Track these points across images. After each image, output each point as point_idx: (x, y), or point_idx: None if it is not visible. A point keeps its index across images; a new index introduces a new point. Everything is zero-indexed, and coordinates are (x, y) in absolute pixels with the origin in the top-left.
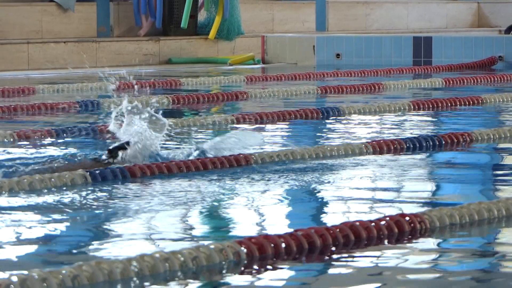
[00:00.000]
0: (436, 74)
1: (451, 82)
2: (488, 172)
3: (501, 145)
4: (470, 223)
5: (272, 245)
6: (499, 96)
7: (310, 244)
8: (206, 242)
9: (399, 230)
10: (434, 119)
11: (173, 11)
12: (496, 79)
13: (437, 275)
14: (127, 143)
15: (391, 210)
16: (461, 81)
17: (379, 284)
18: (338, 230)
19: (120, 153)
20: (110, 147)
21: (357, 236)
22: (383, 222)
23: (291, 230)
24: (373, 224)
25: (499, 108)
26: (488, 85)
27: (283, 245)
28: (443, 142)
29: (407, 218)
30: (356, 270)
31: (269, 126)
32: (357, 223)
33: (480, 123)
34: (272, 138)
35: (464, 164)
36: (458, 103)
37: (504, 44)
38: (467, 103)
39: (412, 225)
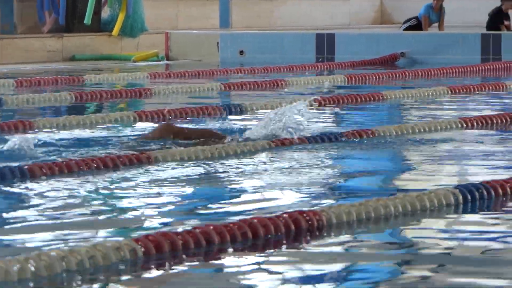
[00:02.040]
0: (338, 71)
1: (354, 78)
2: (388, 169)
3: (403, 142)
4: (367, 219)
5: (169, 242)
6: (400, 92)
7: (208, 241)
8: (102, 240)
9: (296, 227)
10: (336, 115)
11: (77, 7)
12: (398, 75)
13: (336, 271)
14: None
15: (290, 207)
16: (363, 78)
17: (278, 280)
18: (236, 227)
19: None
20: None
21: (254, 233)
22: (281, 219)
23: (189, 227)
24: (271, 221)
25: (401, 104)
26: (390, 81)
27: (181, 242)
28: (345, 138)
29: (305, 215)
30: (253, 266)
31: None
32: (255, 220)
33: (382, 119)
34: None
35: (366, 160)
36: (359, 100)
37: (406, 40)
38: (368, 99)
39: (309, 222)
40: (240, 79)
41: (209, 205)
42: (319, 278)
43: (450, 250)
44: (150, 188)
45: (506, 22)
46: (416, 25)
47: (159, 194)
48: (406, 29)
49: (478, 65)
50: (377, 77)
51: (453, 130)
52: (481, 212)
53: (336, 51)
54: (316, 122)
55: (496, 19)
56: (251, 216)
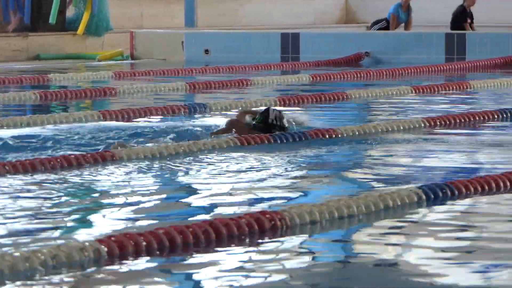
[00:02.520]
0: (303, 70)
1: (318, 78)
2: (351, 169)
3: (366, 141)
4: (330, 219)
5: (133, 242)
6: (364, 91)
7: (171, 241)
8: (66, 241)
9: (259, 227)
10: (300, 115)
11: (42, 6)
12: (362, 75)
13: (299, 270)
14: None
15: (253, 207)
16: (328, 77)
17: (239, 279)
18: (198, 227)
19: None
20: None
21: (217, 233)
22: (243, 220)
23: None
24: (233, 221)
25: (365, 104)
26: (354, 80)
27: (144, 242)
28: (309, 137)
29: (268, 215)
30: (215, 266)
31: (136, 122)
32: (217, 220)
33: (345, 119)
34: (138, 136)
35: (329, 160)
36: (323, 99)
37: (370, 40)
38: (332, 99)
39: (272, 222)
40: (205, 78)
41: (173, 206)
42: (282, 277)
43: (413, 249)
44: (115, 188)
45: (469, 21)
46: (386, 27)
47: (123, 194)
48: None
49: (442, 64)
50: (342, 77)
51: (416, 130)
52: (444, 212)
53: (301, 50)
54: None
55: (460, 18)
56: (213, 216)
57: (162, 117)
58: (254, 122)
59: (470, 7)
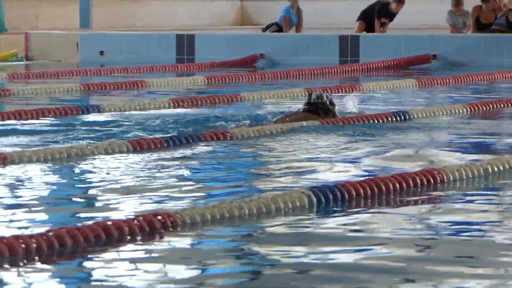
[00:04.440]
0: (199, 72)
1: (213, 79)
2: (245, 171)
3: (260, 144)
4: (221, 220)
5: (23, 245)
6: (259, 93)
7: (61, 244)
8: None
9: (151, 229)
10: (193, 117)
11: None
12: (257, 77)
13: (190, 272)
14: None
15: (145, 209)
16: (223, 79)
17: (130, 281)
18: (89, 230)
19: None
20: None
21: (109, 236)
22: (135, 222)
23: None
24: (125, 223)
25: (259, 105)
26: (249, 82)
27: (34, 245)
28: (204, 139)
29: (159, 217)
30: (106, 269)
31: (30, 124)
32: (109, 223)
33: (240, 121)
34: (31, 138)
35: (223, 162)
36: (217, 101)
37: (265, 42)
38: (227, 100)
39: (164, 223)
40: (100, 79)
41: (65, 208)
42: (173, 279)
43: (303, 250)
44: (6, 190)
45: (385, 20)
46: (277, 31)
47: (15, 197)
48: None
49: (336, 66)
50: (237, 78)
51: (311, 131)
52: (335, 214)
53: (196, 52)
54: (175, 123)
55: (378, 12)
56: (105, 218)
57: (54, 118)
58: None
59: (394, 11)
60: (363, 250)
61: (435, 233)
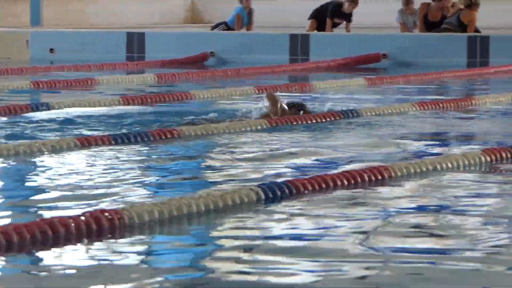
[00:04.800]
0: (149, 70)
1: (163, 77)
2: (194, 168)
3: (209, 142)
4: (170, 218)
5: None
6: (208, 92)
7: (8, 241)
8: None
9: (98, 226)
10: (144, 115)
11: None
12: (207, 75)
13: (139, 269)
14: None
15: (93, 206)
16: (173, 77)
17: (77, 280)
18: (36, 226)
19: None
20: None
21: (55, 233)
22: (82, 218)
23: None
24: (72, 220)
25: (209, 104)
26: (199, 80)
27: None
28: (152, 138)
29: (107, 214)
30: (53, 266)
31: None
32: (56, 220)
33: (190, 119)
34: None
35: (171, 159)
36: (167, 99)
37: (216, 40)
38: (177, 98)
39: (111, 221)
40: (50, 77)
41: (12, 205)
42: (120, 277)
43: (252, 247)
44: None
45: (337, 20)
46: (226, 30)
47: None
48: None
49: (286, 65)
50: (187, 76)
51: (259, 130)
52: (283, 210)
53: (146, 50)
54: (123, 122)
55: (331, 11)
56: (52, 215)
57: (3, 116)
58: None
59: (348, 11)
60: (311, 246)
61: (383, 229)
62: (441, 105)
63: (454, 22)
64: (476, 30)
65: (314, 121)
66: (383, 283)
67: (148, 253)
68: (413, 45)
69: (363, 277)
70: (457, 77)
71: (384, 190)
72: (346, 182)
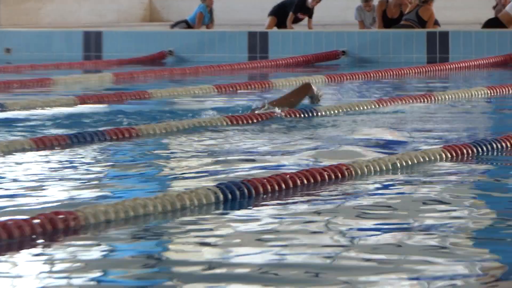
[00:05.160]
0: (106, 69)
1: (121, 76)
2: (152, 167)
3: (168, 140)
4: (126, 219)
5: None
6: (167, 91)
7: None
8: None
9: (53, 227)
10: (100, 114)
11: None
12: (165, 73)
13: (95, 271)
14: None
15: (48, 207)
16: (131, 76)
17: (30, 282)
18: None
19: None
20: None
21: (9, 235)
22: (36, 220)
23: None
24: (25, 222)
25: (170, 102)
26: (158, 79)
27: None
28: (108, 137)
29: (61, 215)
30: (7, 269)
31: None
32: (10, 222)
33: (147, 118)
34: None
35: (128, 159)
36: (124, 98)
37: (174, 38)
38: (134, 97)
39: (66, 222)
40: (6, 77)
41: None
42: (76, 279)
43: (210, 249)
44: None
45: (301, 16)
46: (186, 29)
47: None
48: None
49: (244, 63)
50: (145, 75)
51: (219, 128)
52: (242, 210)
53: (103, 49)
54: (79, 121)
55: (296, 6)
56: (6, 217)
57: None
58: None
59: (312, 5)
60: (271, 247)
61: (344, 229)
62: (400, 101)
63: (413, 18)
64: (436, 23)
65: (271, 119)
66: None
67: (103, 254)
68: (372, 42)
69: (326, 279)
70: (417, 73)
71: (344, 189)
72: (305, 181)
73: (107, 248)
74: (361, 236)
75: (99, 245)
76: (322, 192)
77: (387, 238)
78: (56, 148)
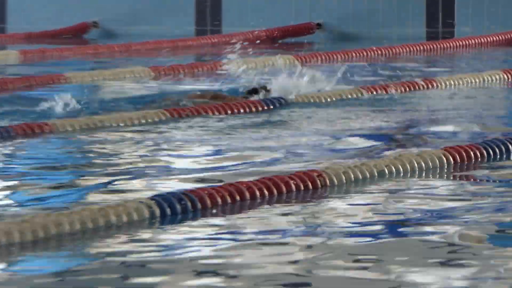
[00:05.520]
0: (11, 45)
1: (29, 55)
2: (70, 171)
3: (93, 138)
4: (35, 240)
5: None
6: (90, 74)
7: None
8: None
9: None
10: (3, 104)
11: None
12: (88, 51)
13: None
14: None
15: None
16: (42, 54)
17: None
18: None
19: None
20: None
21: None
22: None
23: None
24: None
25: (92, 89)
26: (78, 59)
27: None
28: (14, 134)
29: None
30: None
31: None
32: None
33: (63, 112)
34: None
35: (39, 161)
36: (33, 84)
37: (99, 6)
38: (47, 83)
39: None
40: None
41: None
42: None
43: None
44: None
45: None
46: None
47: None
48: None
49: (191, 38)
50: (61, 54)
51: (157, 123)
52: (183, 229)
53: (8, 20)
54: None
55: None
56: None
57: None
58: None
59: None
60: (218, 271)
61: (311, 243)
62: (391, 88)
63: None
64: None
65: (230, 111)
66: None
67: (15, 281)
68: (356, 12)
69: None
70: (413, 52)
71: (318, 201)
72: (266, 192)
73: (17, 274)
74: (335, 245)
75: (9, 269)
76: (287, 204)
77: (362, 245)
78: None
